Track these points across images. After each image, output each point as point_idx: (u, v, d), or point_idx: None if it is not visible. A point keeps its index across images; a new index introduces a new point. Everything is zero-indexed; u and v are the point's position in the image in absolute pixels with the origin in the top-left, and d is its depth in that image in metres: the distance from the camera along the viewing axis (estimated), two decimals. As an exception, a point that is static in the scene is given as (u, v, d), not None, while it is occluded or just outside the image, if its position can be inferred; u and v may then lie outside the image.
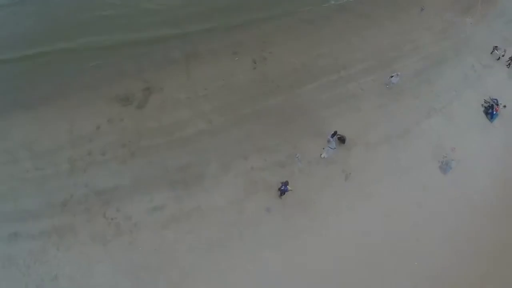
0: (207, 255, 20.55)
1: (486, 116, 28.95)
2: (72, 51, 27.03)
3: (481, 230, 24.00)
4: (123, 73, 26.58)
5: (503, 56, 31.67)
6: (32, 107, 24.79)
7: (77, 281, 19.46)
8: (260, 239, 21.21)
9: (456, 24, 33.14)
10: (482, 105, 29.25)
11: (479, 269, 22.81)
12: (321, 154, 24.01)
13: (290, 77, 27.57)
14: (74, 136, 23.73)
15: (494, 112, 28.76)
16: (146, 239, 20.71)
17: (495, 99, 29.23)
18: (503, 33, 33.61)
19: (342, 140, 24.58)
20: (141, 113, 24.94)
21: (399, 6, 33.16)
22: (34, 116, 24.49)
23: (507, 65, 31.55)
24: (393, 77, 27.64)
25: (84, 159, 22.93)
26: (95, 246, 20.40)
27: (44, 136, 23.73)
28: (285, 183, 21.58)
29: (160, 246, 20.59)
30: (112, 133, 23.99)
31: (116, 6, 29.30)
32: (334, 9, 31.73)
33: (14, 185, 21.88)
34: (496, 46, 31.90)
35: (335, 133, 24.14)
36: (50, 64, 26.48)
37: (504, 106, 29.20)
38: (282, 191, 21.72)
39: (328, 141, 24.15)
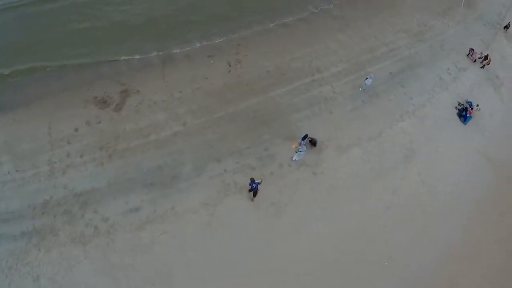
0: (182, 255, 21.90)
1: (460, 118, 30.43)
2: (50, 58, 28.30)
3: (450, 233, 25.62)
4: (100, 76, 27.87)
5: (479, 58, 33.21)
6: (11, 110, 26.04)
7: (58, 281, 20.64)
8: (232, 240, 22.55)
9: (434, 26, 34.47)
10: (456, 107, 30.76)
11: (448, 271, 24.43)
12: (292, 157, 25.37)
13: (264, 80, 28.78)
14: (52, 138, 24.91)
15: (468, 115, 30.16)
16: (123, 240, 21.92)
17: (470, 102, 30.69)
18: (481, 36, 35.13)
19: (313, 143, 25.80)
20: (118, 115, 26.11)
21: (375, 9, 34.38)
22: (13, 119, 25.70)
23: (481, 66, 33.17)
24: (366, 79, 28.79)
25: (63, 161, 24.11)
26: (75, 247, 21.56)
27: (24, 138, 24.84)
28: (252, 180, 22.69)
29: (136, 246, 21.84)
30: (90, 136, 25.16)
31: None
32: (310, 11, 32.97)
33: None
34: (472, 49, 33.50)
35: (306, 136, 25.33)
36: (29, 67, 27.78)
37: (477, 105, 30.62)
38: (253, 190, 22.91)
39: (300, 144, 25.47)
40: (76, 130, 25.39)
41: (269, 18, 32.23)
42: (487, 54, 33.25)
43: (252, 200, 23.63)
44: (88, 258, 21.42)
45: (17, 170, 23.78)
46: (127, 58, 28.78)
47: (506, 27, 38.24)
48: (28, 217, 22.30)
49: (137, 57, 29.05)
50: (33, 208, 22.62)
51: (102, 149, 24.81)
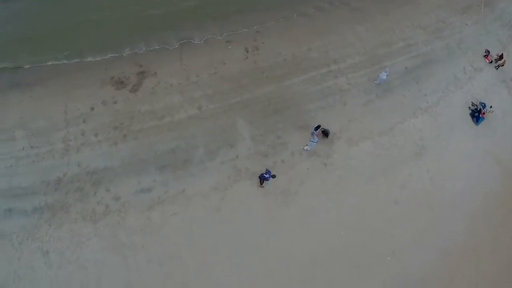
0: (190, 237, 22.32)
1: (472, 119, 30.20)
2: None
3: (453, 231, 25.91)
4: (118, 56, 28.00)
5: (495, 60, 32.78)
6: (28, 87, 26.24)
7: (67, 257, 21.19)
8: (240, 226, 22.95)
9: (452, 24, 33.97)
10: (469, 107, 30.50)
11: (448, 268, 24.89)
12: (304, 147, 25.51)
13: (280, 69, 28.75)
14: (68, 116, 25.17)
15: (480, 117, 29.99)
16: (133, 219, 22.40)
17: (483, 103, 30.40)
18: (499, 37, 34.50)
19: (325, 134, 25.95)
20: (134, 96, 26.27)
21: (394, 3, 33.88)
22: (30, 96, 25.92)
23: (495, 67, 32.74)
24: (382, 74, 28.62)
25: (77, 139, 24.44)
26: (85, 224, 22.07)
27: (40, 115, 25.14)
28: (268, 172, 23.04)
29: (146, 226, 22.31)
30: (105, 115, 25.37)
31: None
32: (329, 2, 32.67)
33: (10, 162, 23.51)
34: (488, 50, 33.03)
35: (318, 127, 25.47)
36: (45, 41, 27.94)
37: (491, 107, 30.28)
38: (263, 178, 23.24)
39: (312, 134, 25.52)
40: (92, 109, 25.60)
41: (288, 7, 31.83)
42: (502, 54, 32.70)
43: (261, 186, 23.90)
44: (98, 236, 21.93)
45: (31, 147, 24.15)
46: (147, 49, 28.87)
47: None
48: (40, 193, 22.72)
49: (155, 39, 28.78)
50: (46, 184, 23.00)
51: (117, 129, 25.05)
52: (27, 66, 27.14)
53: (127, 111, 25.72)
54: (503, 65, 32.62)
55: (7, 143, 24.22)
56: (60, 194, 22.74)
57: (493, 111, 30.27)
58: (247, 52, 29.26)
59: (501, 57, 32.64)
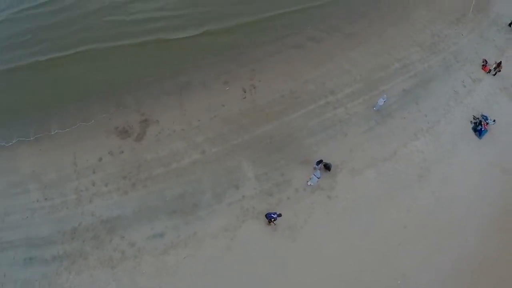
0: (204, 277, 26.25)
1: (475, 133, 33.52)
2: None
3: (462, 247, 28.54)
4: (120, 106, 32.89)
5: (494, 69, 36.36)
6: (36, 140, 31.26)
7: None
8: (251, 263, 26.72)
9: (447, 36, 37.97)
10: (471, 121, 33.97)
11: (461, 285, 27.55)
12: (307, 182, 29.58)
13: (278, 105, 33.16)
14: (78, 168, 29.99)
15: (483, 129, 33.29)
16: (148, 263, 26.51)
17: (485, 116, 33.90)
18: (496, 42, 38.33)
19: (327, 167, 29.85)
20: (139, 145, 31.04)
21: (387, 22, 38.11)
22: (39, 149, 30.85)
23: (493, 74, 36.28)
24: (379, 100, 32.50)
25: (89, 190, 29.11)
26: (103, 270, 26.27)
27: (50, 167, 30.00)
28: (275, 213, 26.92)
29: (161, 269, 26.38)
30: (113, 165, 30.09)
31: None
32: (321, 30, 36.91)
33: (26, 214, 28.19)
34: (486, 60, 36.63)
35: (320, 161, 29.54)
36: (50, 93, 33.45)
37: (494, 121, 33.69)
38: (269, 218, 27.12)
39: (314, 169, 29.65)
40: (100, 159, 30.37)
41: (281, 40, 36.15)
42: (500, 62, 36.23)
43: (269, 224, 27.92)
44: (116, 281, 26.04)
45: (45, 198, 28.89)
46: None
47: (511, 24, 41.13)
48: (58, 242, 27.20)
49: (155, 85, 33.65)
50: (63, 233, 27.53)
51: (126, 178, 29.67)
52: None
53: (134, 160, 30.40)
54: (500, 71, 36.22)
55: (22, 196, 29.16)
56: (77, 243, 27.12)
57: (495, 120, 33.49)
58: (245, 92, 33.86)
59: (499, 64, 36.34)
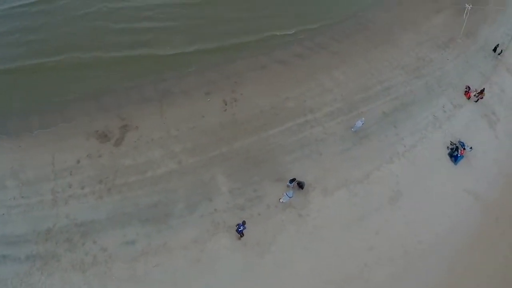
0: (172, 287, 28.31)
1: (451, 159, 35.85)
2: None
3: (431, 273, 30.74)
4: (102, 109, 34.93)
5: (475, 96, 38.82)
6: (17, 136, 33.17)
7: None
8: (219, 276, 28.59)
9: (433, 61, 40.24)
10: (448, 147, 36.32)
11: None
12: (279, 199, 31.84)
13: (258, 120, 35.35)
14: (56, 168, 31.94)
15: (459, 155, 35.56)
16: (119, 269, 28.35)
17: (462, 142, 36.20)
18: (481, 69, 40.68)
19: (301, 185, 32.01)
20: (117, 150, 33.11)
21: (373, 43, 40.30)
22: (19, 145, 32.76)
23: (475, 101, 38.75)
24: (357, 122, 34.62)
25: (65, 191, 31.04)
26: (75, 273, 28.00)
27: (29, 165, 31.88)
28: (241, 224, 29.10)
29: (131, 276, 28.21)
30: (90, 168, 32.10)
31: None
32: (307, 47, 39.22)
33: (2, 211, 29.97)
34: (469, 87, 39.07)
35: (293, 180, 31.66)
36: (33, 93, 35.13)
37: (471, 148, 36.06)
38: (240, 232, 29.30)
39: (287, 187, 31.83)
40: (78, 162, 32.39)
41: (266, 54, 38.38)
42: (483, 89, 38.72)
43: (239, 239, 30.10)
44: (87, 284, 27.87)
45: (22, 196, 30.76)
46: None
47: (495, 49, 43.76)
48: (32, 241, 28.98)
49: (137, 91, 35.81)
50: (38, 233, 29.32)
51: (102, 182, 31.72)
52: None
53: (111, 165, 32.45)
54: (482, 98, 38.68)
55: (-1, 192, 30.97)
56: (51, 244, 28.89)
57: (472, 148, 35.93)
58: (226, 104, 36.06)
59: (481, 91, 38.77)
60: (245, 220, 29.40)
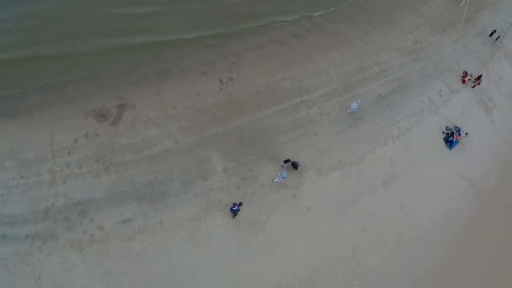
0: (168, 265, 28.23)
1: (446, 144, 35.64)
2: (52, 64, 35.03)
3: (426, 255, 31.05)
4: (100, 88, 34.52)
5: (473, 83, 38.40)
6: (16, 116, 32.72)
7: (58, 282, 27.18)
8: (213, 254, 28.68)
9: (430, 44, 39.72)
10: (443, 132, 36.03)
11: None
12: (274, 179, 31.76)
13: (254, 100, 35.01)
14: (54, 148, 31.60)
15: (454, 140, 35.31)
16: (115, 248, 28.38)
17: (457, 127, 35.94)
18: (479, 55, 40.18)
19: (295, 166, 31.81)
20: (115, 129, 32.79)
21: (372, 25, 39.73)
22: (18, 126, 32.38)
23: (472, 86, 38.30)
24: (353, 104, 34.36)
25: (63, 171, 30.79)
26: (73, 252, 27.96)
27: (27, 146, 31.53)
28: (236, 204, 29.09)
29: (128, 254, 28.27)
30: (88, 148, 31.83)
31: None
32: (305, 28, 38.71)
33: (2, 191, 29.66)
34: (466, 72, 38.51)
35: (288, 160, 31.47)
36: (32, 75, 34.50)
37: (466, 134, 35.83)
38: (234, 211, 29.32)
39: (282, 167, 31.69)
40: (76, 141, 32.06)
41: (264, 34, 37.91)
42: (481, 75, 38.29)
43: (233, 218, 30.08)
44: (84, 262, 27.89)
45: (21, 177, 30.47)
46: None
47: (491, 35, 43.34)
48: (31, 221, 28.85)
49: (134, 70, 35.55)
50: (36, 213, 29.17)
51: (99, 161, 31.48)
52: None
53: (108, 144, 32.17)
54: (479, 84, 38.20)
55: (-2, 173, 30.80)
56: (49, 223, 28.82)
57: (467, 133, 35.75)
58: (222, 84, 35.67)
59: (479, 77, 38.29)
60: (242, 202, 29.38)
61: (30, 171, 30.63)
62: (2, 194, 29.60)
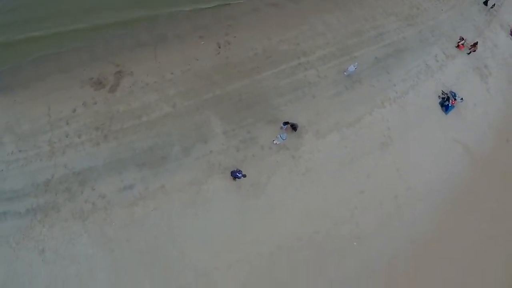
0: (169, 229, 27.68)
1: (442, 108, 35.03)
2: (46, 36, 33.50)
3: (422, 217, 31.07)
4: (95, 57, 33.07)
5: (469, 49, 37.54)
6: (11, 90, 31.41)
7: (61, 254, 26.48)
8: (214, 217, 28.19)
9: (427, 10, 38.56)
10: (439, 96, 35.32)
11: (416, 253, 30.02)
12: (273, 140, 30.66)
13: (251, 63, 33.74)
14: (52, 119, 30.33)
15: (450, 105, 34.76)
16: (118, 215, 27.67)
17: (453, 92, 35.25)
18: (475, 22, 39.15)
19: (294, 128, 30.78)
20: (112, 96, 31.42)
21: (368, -12, 38.45)
22: (14, 100, 31.07)
23: (467, 53, 37.61)
24: (351, 66, 33.37)
25: (62, 141, 29.62)
26: (75, 222, 27.24)
27: (25, 119, 30.28)
28: (240, 171, 28.39)
29: (130, 221, 27.61)
30: (86, 116, 30.54)
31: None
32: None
33: (1, 167, 28.69)
34: (463, 37, 37.75)
35: (287, 122, 30.48)
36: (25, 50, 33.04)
37: (462, 99, 35.20)
38: (235, 176, 28.57)
39: (281, 129, 30.65)
40: (74, 111, 30.80)
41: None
42: (476, 42, 37.53)
43: (234, 180, 29.25)
44: (87, 232, 27.19)
45: (19, 150, 29.37)
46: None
47: (486, 3, 42.53)
48: (31, 195, 27.92)
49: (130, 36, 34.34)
50: (36, 186, 28.22)
51: (98, 129, 30.28)
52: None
53: (106, 111, 30.91)
54: (475, 51, 37.45)
55: (-4, 148, 29.41)
56: (50, 195, 27.94)
57: (463, 99, 35.26)
58: (219, 48, 34.27)
59: (474, 44, 37.42)
60: (246, 175, 28.67)
61: (28, 144, 29.52)
62: (1, 170, 28.59)
